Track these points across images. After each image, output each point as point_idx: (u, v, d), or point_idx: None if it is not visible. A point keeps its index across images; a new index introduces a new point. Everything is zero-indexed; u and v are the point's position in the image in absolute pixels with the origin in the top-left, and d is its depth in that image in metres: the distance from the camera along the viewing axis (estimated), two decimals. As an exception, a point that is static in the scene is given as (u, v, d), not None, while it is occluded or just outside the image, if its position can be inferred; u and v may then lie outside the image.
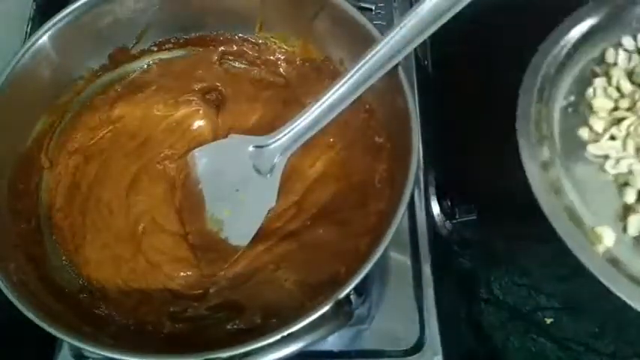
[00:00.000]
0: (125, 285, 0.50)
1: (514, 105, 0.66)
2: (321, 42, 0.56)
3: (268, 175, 0.51)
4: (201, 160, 0.53)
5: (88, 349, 0.41)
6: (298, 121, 0.49)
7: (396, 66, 0.48)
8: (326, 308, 0.40)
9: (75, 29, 0.53)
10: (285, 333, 0.39)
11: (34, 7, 0.68)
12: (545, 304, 0.60)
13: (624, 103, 0.54)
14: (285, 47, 0.58)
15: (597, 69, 0.58)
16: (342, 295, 0.40)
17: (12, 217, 0.50)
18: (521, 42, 0.70)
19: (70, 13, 0.52)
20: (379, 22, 0.64)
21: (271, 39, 0.58)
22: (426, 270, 0.54)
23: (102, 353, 0.41)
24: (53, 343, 0.53)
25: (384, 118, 0.52)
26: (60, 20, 0.52)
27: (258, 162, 0.51)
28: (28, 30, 0.66)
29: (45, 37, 0.51)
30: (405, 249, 0.55)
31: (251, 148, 0.51)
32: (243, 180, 0.52)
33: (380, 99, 0.53)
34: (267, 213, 0.51)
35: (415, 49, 0.65)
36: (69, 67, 0.55)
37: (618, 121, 0.53)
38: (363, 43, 0.49)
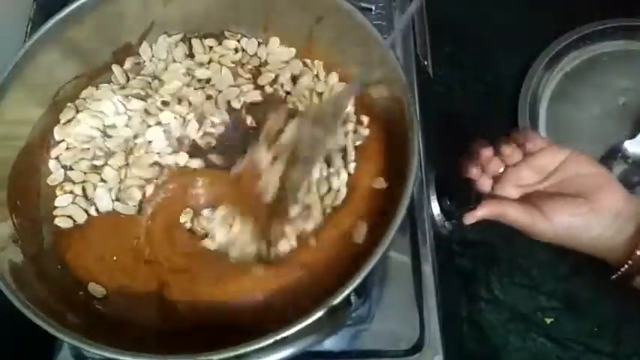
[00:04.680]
0: (123, 289, 0.50)
1: (514, 104, 0.66)
2: (323, 44, 0.56)
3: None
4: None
5: (88, 349, 0.41)
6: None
7: (396, 66, 0.48)
8: (319, 314, 0.40)
9: (79, 26, 0.53)
10: (278, 337, 0.39)
11: (34, 7, 0.68)
12: (545, 304, 0.60)
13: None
14: (289, 49, 0.58)
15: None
16: (336, 302, 0.40)
17: (12, 214, 0.50)
18: (522, 42, 0.70)
19: (74, 10, 0.52)
20: (379, 22, 0.64)
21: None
22: (427, 270, 0.54)
23: (101, 353, 0.41)
24: (53, 343, 0.53)
25: (384, 118, 0.52)
26: (64, 17, 0.52)
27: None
28: (28, 30, 0.66)
29: (48, 33, 0.51)
30: (405, 249, 0.55)
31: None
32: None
33: (380, 100, 0.53)
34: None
35: (415, 49, 0.66)
36: (72, 64, 0.55)
37: None
38: (363, 44, 0.49)
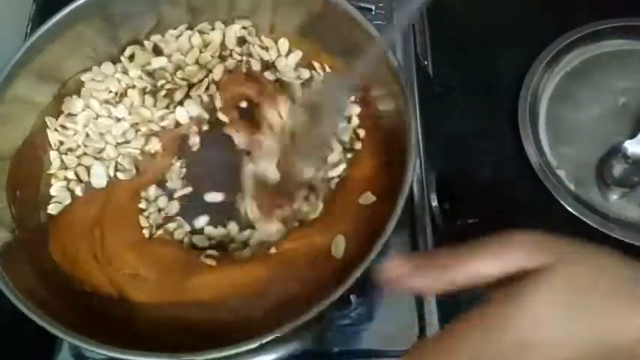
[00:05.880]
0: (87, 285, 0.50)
1: (514, 104, 0.66)
2: (323, 45, 0.56)
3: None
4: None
5: (87, 347, 0.41)
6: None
7: (395, 66, 0.48)
8: (304, 320, 0.40)
9: (86, 21, 0.54)
10: (259, 342, 0.39)
11: (34, 7, 0.68)
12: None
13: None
14: (293, 48, 0.58)
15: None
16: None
17: (11, 204, 0.50)
18: (522, 42, 0.70)
19: (81, 5, 0.53)
20: (379, 22, 0.64)
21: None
22: (427, 270, 0.54)
23: (100, 352, 0.41)
24: (53, 343, 0.53)
25: (384, 117, 0.52)
26: (72, 11, 0.52)
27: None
28: (28, 30, 0.66)
29: (56, 26, 0.52)
30: (405, 249, 0.55)
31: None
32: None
33: (379, 98, 0.53)
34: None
35: (415, 49, 0.66)
36: (78, 57, 0.56)
37: None
38: (363, 45, 0.49)
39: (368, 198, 0.50)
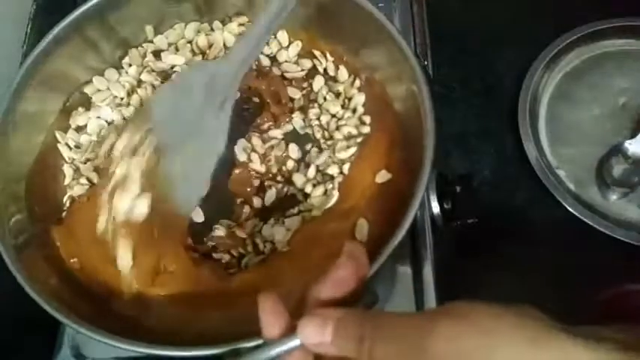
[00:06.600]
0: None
1: (514, 104, 0.66)
2: (327, 33, 0.56)
3: (220, 115, 0.46)
4: (156, 107, 0.48)
5: (90, 335, 0.41)
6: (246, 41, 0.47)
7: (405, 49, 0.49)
8: None
9: (88, 25, 0.54)
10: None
11: (34, 7, 0.68)
12: (547, 306, 0.60)
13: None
14: (292, 40, 0.58)
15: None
16: None
17: (31, 219, 0.50)
18: (522, 42, 0.70)
19: (88, 8, 0.53)
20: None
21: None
22: (427, 271, 0.54)
23: (102, 340, 0.41)
24: (53, 343, 0.53)
25: (392, 99, 0.53)
26: (79, 15, 0.53)
27: (210, 96, 0.46)
28: (28, 30, 0.66)
29: (64, 30, 0.52)
30: (405, 250, 0.55)
31: (206, 79, 0.46)
32: (193, 127, 0.47)
33: (387, 80, 0.53)
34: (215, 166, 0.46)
35: (415, 49, 0.66)
36: (81, 64, 0.56)
37: None
38: (366, 28, 0.49)
39: (384, 176, 0.50)
